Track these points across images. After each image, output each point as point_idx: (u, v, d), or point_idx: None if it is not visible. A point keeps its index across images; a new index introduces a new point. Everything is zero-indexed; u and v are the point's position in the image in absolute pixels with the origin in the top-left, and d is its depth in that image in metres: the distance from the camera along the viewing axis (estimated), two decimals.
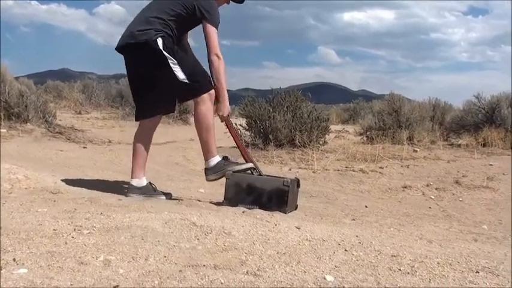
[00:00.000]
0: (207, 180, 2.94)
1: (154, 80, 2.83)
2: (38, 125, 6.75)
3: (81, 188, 2.99)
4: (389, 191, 4.34)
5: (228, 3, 3.07)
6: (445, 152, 6.67)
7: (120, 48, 2.86)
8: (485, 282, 1.54)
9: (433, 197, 4.08)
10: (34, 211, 2.16)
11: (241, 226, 2.03)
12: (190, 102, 2.98)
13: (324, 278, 1.48)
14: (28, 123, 6.68)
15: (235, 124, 7.13)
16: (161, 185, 3.35)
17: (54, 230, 1.82)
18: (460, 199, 4.04)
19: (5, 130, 6.17)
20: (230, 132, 3.08)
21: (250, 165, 2.95)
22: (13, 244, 1.61)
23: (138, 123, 3.03)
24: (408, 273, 1.59)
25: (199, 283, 1.37)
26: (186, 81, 2.76)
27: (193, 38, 3.20)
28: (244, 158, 2.98)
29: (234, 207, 2.64)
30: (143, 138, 2.97)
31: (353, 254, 1.77)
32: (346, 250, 1.81)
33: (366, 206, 3.45)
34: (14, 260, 1.45)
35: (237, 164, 2.93)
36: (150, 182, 2.96)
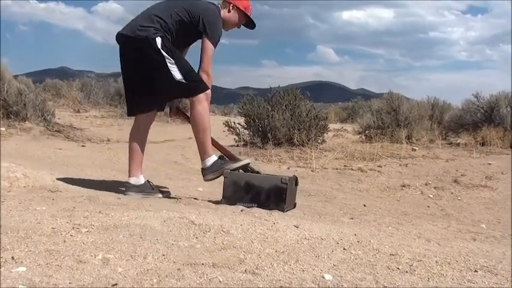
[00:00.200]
0: (205, 180, 2.94)
1: (150, 77, 2.82)
2: (36, 123, 6.74)
3: (79, 186, 3.00)
4: (388, 190, 4.34)
5: (239, 27, 3.11)
6: (443, 151, 6.68)
7: (120, 36, 2.85)
8: (483, 281, 1.54)
9: (431, 196, 4.09)
10: (33, 209, 2.16)
11: (240, 225, 2.03)
12: (188, 101, 3.00)
13: (323, 277, 1.48)
14: (27, 122, 6.67)
15: (234, 123, 7.13)
16: (159, 183, 3.35)
17: (52, 228, 1.82)
18: (459, 198, 4.04)
19: (3, 128, 6.16)
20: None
21: (247, 161, 2.96)
22: (12, 242, 1.61)
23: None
24: (407, 272, 1.59)
25: (197, 281, 1.38)
26: (183, 81, 2.76)
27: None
28: (221, 152, 3.01)
29: (232, 206, 2.64)
30: (139, 137, 2.97)
31: (351, 253, 1.77)
32: (344, 249, 1.81)
33: (365, 205, 3.45)
34: (13, 258, 1.45)
35: (234, 161, 2.93)
36: (148, 180, 2.96)
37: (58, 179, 3.12)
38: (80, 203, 2.38)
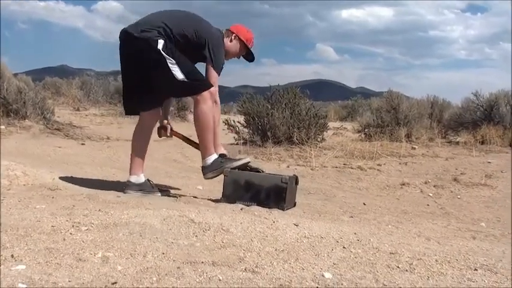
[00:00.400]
0: (205, 178, 2.94)
1: (149, 76, 2.82)
2: (36, 121, 6.75)
3: (79, 184, 2.99)
4: (388, 189, 4.34)
5: (239, 57, 3.14)
6: (443, 150, 6.68)
7: (124, 33, 2.84)
8: (483, 279, 1.54)
9: (431, 195, 4.09)
10: (32, 207, 2.16)
11: (240, 223, 2.03)
12: (189, 100, 3.01)
13: (323, 275, 1.48)
14: (26, 120, 6.67)
15: (234, 121, 7.14)
16: (159, 182, 3.35)
17: (52, 226, 1.82)
18: (458, 197, 4.04)
19: (3, 127, 6.16)
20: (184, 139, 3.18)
21: (248, 160, 2.96)
22: (11, 240, 1.61)
23: (136, 119, 3.03)
24: (406, 270, 1.59)
25: (197, 280, 1.37)
26: (185, 80, 2.75)
27: None
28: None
29: (232, 204, 2.64)
30: (142, 136, 2.97)
31: (351, 251, 1.77)
32: (344, 247, 1.81)
33: (364, 203, 3.45)
34: (12, 256, 1.45)
35: (234, 160, 2.93)
36: (148, 179, 2.96)
37: (58, 177, 3.12)
38: (80, 201, 2.38)
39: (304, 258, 1.65)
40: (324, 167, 5.25)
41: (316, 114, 6.90)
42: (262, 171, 2.96)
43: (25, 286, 1.23)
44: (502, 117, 7.79)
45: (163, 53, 2.71)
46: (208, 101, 2.81)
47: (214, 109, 2.87)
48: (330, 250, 1.77)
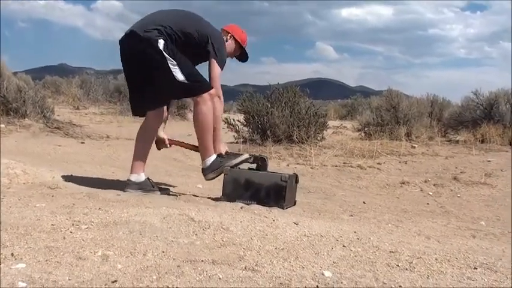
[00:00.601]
0: (206, 179, 2.94)
1: (150, 76, 2.81)
2: (36, 120, 6.74)
3: (79, 183, 2.99)
4: (388, 187, 4.34)
5: (232, 58, 3.17)
6: (443, 148, 6.68)
7: (129, 33, 2.83)
8: (483, 278, 1.54)
9: (431, 193, 4.09)
10: (32, 206, 2.16)
11: (240, 221, 2.03)
12: (189, 99, 3.01)
13: (322, 274, 1.48)
14: (26, 119, 6.67)
15: (233, 120, 7.13)
16: (159, 180, 3.35)
17: (52, 225, 1.81)
18: (458, 195, 4.05)
19: (3, 125, 6.16)
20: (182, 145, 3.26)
21: (247, 156, 2.96)
22: (11, 239, 1.61)
23: (135, 118, 3.02)
24: (406, 269, 1.59)
25: (197, 278, 1.37)
26: (186, 81, 2.75)
27: None
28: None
29: (232, 203, 2.64)
30: (146, 136, 2.98)
31: (351, 250, 1.77)
32: (344, 246, 1.81)
33: (364, 202, 3.45)
34: (12, 254, 1.45)
35: (233, 157, 2.93)
36: (148, 178, 2.96)
37: (58, 175, 3.12)
38: (80, 200, 2.38)
39: (304, 257, 1.65)
40: (324, 165, 5.25)
41: (316, 113, 6.90)
42: (266, 158, 2.99)
43: (25, 285, 1.23)
44: (501, 115, 7.79)
45: (164, 53, 2.71)
46: (208, 102, 2.81)
47: (218, 104, 2.87)
48: (329, 249, 1.77)
